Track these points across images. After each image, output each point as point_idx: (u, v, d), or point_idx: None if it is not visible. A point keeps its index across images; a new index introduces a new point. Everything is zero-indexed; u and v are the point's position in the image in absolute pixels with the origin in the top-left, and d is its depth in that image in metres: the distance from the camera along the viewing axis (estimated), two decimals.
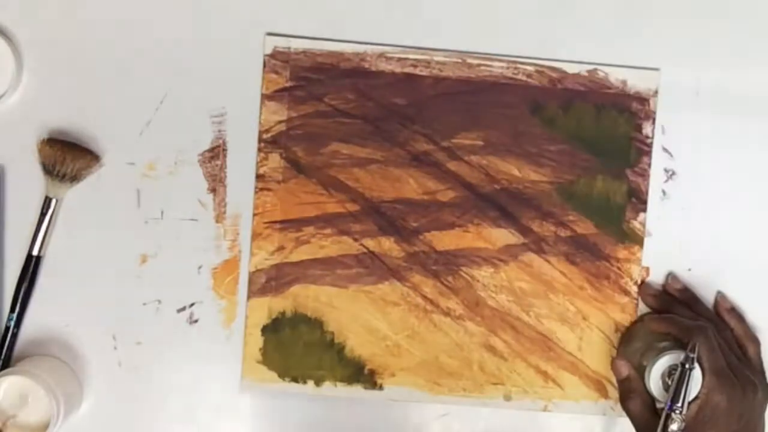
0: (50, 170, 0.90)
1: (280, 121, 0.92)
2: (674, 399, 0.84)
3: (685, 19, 0.93)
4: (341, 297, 0.93)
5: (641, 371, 0.88)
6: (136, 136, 0.92)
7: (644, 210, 0.93)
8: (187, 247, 0.92)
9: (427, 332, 0.93)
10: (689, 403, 0.84)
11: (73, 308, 0.92)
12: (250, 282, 0.92)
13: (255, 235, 0.92)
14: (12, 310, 0.91)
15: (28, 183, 0.91)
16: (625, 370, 0.89)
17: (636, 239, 0.93)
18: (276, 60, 0.92)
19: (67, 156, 0.89)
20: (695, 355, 0.84)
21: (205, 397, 0.93)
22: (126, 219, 0.92)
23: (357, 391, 0.93)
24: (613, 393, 0.93)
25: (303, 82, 0.92)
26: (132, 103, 0.92)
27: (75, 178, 0.90)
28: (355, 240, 0.93)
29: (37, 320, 0.92)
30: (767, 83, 0.94)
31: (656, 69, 0.93)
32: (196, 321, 0.93)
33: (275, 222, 0.92)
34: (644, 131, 0.93)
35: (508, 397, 0.93)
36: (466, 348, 0.93)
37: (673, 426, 0.83)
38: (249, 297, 0.92)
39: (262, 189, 0.92)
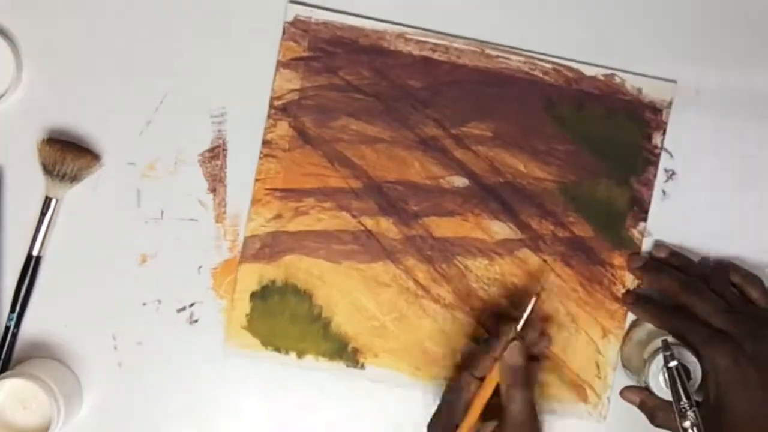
0: (50, 170, 0.89)
1: (293, 90, 0.92)
2: (677, 399, 0.82)
3: (700, 29, 0.93)
4: (333, 272, 0.92)
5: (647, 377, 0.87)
6: (136, 136, 0.91)
7: (645, 219, 0.93)
8: (187, 247, 0.92)
9: (414, 317, 0.92)
10: (702, 385, 0.83)
11: (73, 308, 0.91)
12: (245, 246, 0.92)
13: (254, 201, 0.92)
14: (12, 310, 0.90)
15: (28, 183, 0.90)
16: (635, 397, 0.88)
17: (633, 247, 0.93)
18: (296, 28, 0.91)
19: (67, 156, 0.89)
20: (670, 352, 0.83)
21: (205, 397, 0.92)
22: (126, 219, 0.92)
23: (338, 367, 0.92)
24: (593, 398, 0.93)
25: (320, 53, 0.92)
26: (132, 103, 0.91)
27: (75, 178, 0.90)
28: (354, 216, 0.92)
29: (37, 320, 0.91)
30: (767, 83, 0.93)
31: (672, 81, 0.93)
32: (196, 321, 0.92)
33: (276, 189, 0.92)
34: (654, 141, 0.93)
35: None
36: (452, 337, 0.92)
37: (686, 423, 0.81)
38: (241, 262, 0.92)
39: (267, 155, 0.92)
